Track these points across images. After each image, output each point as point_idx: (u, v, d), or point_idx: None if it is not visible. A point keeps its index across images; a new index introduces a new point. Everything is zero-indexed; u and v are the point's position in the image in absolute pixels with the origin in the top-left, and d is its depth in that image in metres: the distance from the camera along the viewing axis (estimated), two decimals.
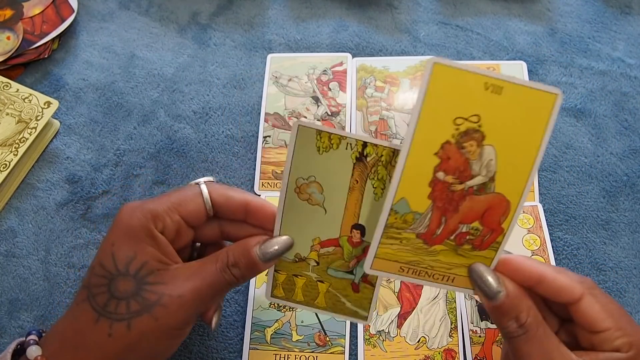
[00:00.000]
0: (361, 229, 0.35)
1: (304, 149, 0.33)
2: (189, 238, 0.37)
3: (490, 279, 0.33)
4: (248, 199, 0.36)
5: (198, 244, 0.41)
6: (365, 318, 0.38)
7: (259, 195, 0.50)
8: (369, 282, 0.37)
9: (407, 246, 0.34)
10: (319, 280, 0.37)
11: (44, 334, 0.36)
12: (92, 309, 0.33)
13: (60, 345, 0.33)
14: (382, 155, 0.33)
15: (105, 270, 0.34)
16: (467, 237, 0.34)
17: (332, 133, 0.33)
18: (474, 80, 0.30)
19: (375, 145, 0.33)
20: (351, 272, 0.37)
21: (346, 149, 0.33)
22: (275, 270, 0.37)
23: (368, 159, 0.33)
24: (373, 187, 0.34)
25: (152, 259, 0.34)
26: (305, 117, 0.53)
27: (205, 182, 0.37)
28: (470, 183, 0.32)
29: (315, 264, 0.37)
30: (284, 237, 0.36)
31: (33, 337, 0.34)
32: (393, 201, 0.33)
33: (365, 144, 0.33)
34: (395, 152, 0.33)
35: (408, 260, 0.34)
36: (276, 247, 0.35)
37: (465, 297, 0.45)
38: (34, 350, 0.33)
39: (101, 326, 0.33)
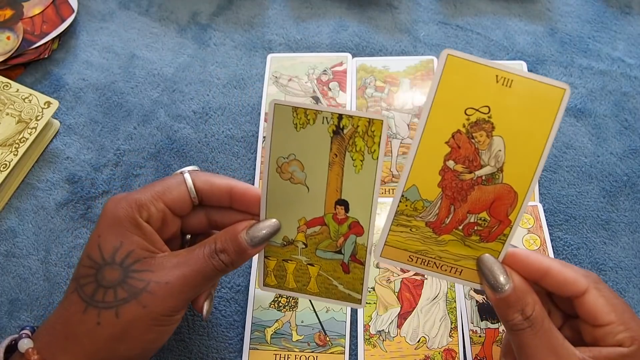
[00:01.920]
0: (344, 204, 0.35)
1: (282, 128, 0.34)
2: (176, 227, 0.37)
3: (498, 270, 0.34)
4: (232, 184, 0.37)
5: (188, 237, 0.41)
6: (359, 301, 0.38)
7: None
8: (359, 261, 0.36)
9: (417, 234, 0.34)
10: (309, 264, 0.37)
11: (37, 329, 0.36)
12: (80, 299, 0.33)
13: (51, 337, 0.33)
14: (358, 126, 0.33)
15: (92, 261, 0.34)
16: (475, 228, 0.34)
17: (307, 108, 0.33)
18: (485, 72, 0.31)
19: (351, 116, 0.33)
20: (339, 252, 0.37)
21: (322, 123, 0.33)
22: (265, 257, 0.37)
23: (345, 131, 0.34)
24: (352, 160, 0.34)
25: (138, 248, 0.34)
26: None
27: (189, 171, 0.37)
28: (479, 173, 0.33)
29: (304, 246, 0.37)
30: (272, 221, 0.36)
31: (26, 331, 0.35)
32: (404, 188, 0.33)
33: (340, 117, 0.33)
34: (370, 122, 0.33)
35: (417, 249, 0.35)
36: (264, 231, 0.35)
37: (465, 296, 0.45)
38: (25, 343, 0.33)
39: (90, 315, 0.33)
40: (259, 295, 0.46)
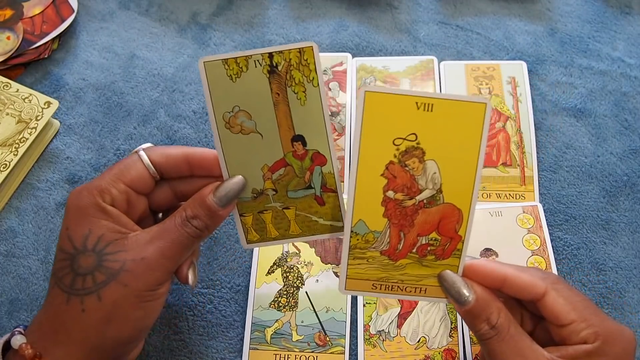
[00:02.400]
0: (300, 139, 0.35)
1: (218, 83, 0.34)
2: (143, 206, 0.38)
3: (460, 284, 0.35)
4: (187, 151, 0.37)
5: (160, 215, 0.41)
6: (341, 229, 0.38)
7: None
8: (330, 189, 0.37)
9: (374, 264, 0.35)
10: (284, 208, 0.37)
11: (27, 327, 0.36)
12: (61, 291, 0.34)
13: (40, 333, 0.34)
14: (291, 59, 0.33)
15: (65, 253, 0.34)
16: (429, 248, 0.35)
17: (237, 56, 0.33)
18: (405, 101, 0.32)
19: (281, 51, 0.33)
20: (310, 187, 0.37)
21: (256, 67, 0.34)
22: (240, 215, 0.37)
23: (279, 68, 0.34)
24: (295, 93, 0.34)
25: (107, 231, 0.34)
26: None
27: (144, 148, 0.37)
28: (419, 197, 0.34)
29: (274, 192, 0.37)
30: (236, 177, 0.36)
31: (18, 329, 0.35)
32: (352, 224, 0.34)
33: (271, 55, 0.33)
34: (301, 51, 0.33)
35: (378, 277, 0.36)
36: (230, 189, 0.35)
37: None
38: (18, 340, 0.33)
39: (73, 304, 0.33)
40: (259, 295, 0.46)
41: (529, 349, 0.33)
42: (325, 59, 0.57)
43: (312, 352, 0.44)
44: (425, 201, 0.34)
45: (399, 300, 0.45)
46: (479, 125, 0.33)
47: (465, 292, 0.34)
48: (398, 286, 0.36)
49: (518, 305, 0.37)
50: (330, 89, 0.55)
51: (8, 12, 0.58)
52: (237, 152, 0.35)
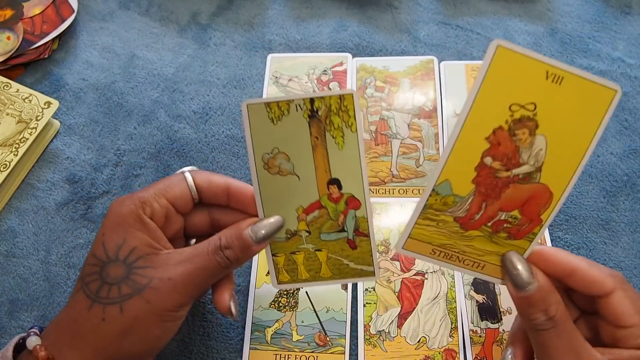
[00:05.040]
0: (336, 182, 0.36)
1: (259, 125, 0.34)
2: (179, 225, 0.38)
3: (523, 268, 0.33)
4: (229, 182, 0.37)
5: (193, 241, 0.41)
6: (372, 273, 0.38)
7: None
8: (363, 234, 0.37)
9: (443, 229, 0.34)
10: (317, 250, 0.37)
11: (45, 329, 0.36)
12: (86, 297, 0.34)
13: (58, 335, 0.34)
14: (331, 105, 0.34)
15: (96, 259, 0.34)
16: (505, 225, 0.33)
17: (279, 100, 0.34)
18: (536, 67, 0.30)
19: (322, 97, 0.34)
20: (343, 230, 0.37)
21: (297, 111, 0.34)
22: (273, 255, 0.38)
23: (319, 112, 0.34)
24: (333, 138, 0.35)
25: (141, 244, 0.34)
26: None
27: (189, 170, 0.38)
28: (516, 171, 0.32)
29: (308, 234, 0.37)
30: (275, 217, 0.36)
31: (34, 330, 0.35)
32: (436, 182, 0.32)
33: (312, 100, 0.34)
34: (342, 98, 0.34)
35: (441, 243, 0.34)
36: (268, 227, 0.36)
37: (465, 297, 0.45)
38: (33, 340, 0.34)
39: (95, 312, 0.33)
40: (259, 295, 0.46)
41: (583, 349, 0.32)
42: (326, 59, 0.57)
43: (313, 352, 0.44)
44: (520, 176, 0.32)
45: (398, 300, 0.45)
46: (602, 110, 0.31)
47: (527, 278, 0.33)
48: (458, 257, 0.34)
49: (564, 294, 0.36)
50: (330, 89, 0.55)
51: (8, 12, 0.58)
52: (273, 193, 0.36)
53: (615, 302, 0.33)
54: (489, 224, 0.33)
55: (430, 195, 0.33)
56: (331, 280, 0.38)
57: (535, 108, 0.31)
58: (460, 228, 0.34)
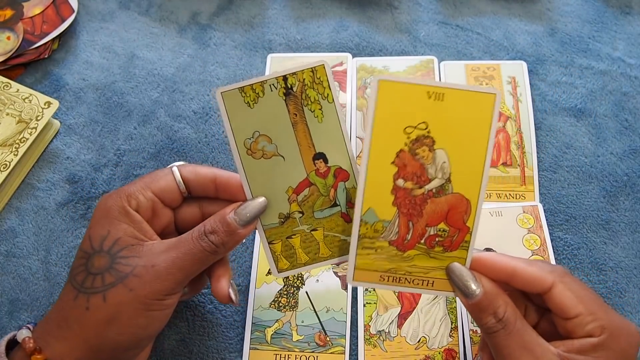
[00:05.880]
0: (322, 156, 0.36)
1: (236, 111, 0.34)
2: (168, 219, 0.38)
3: (468, 277, 0.35)
4: (216, 172, 0.37)
5: None
6: None
7: None
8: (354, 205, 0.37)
9: (382, 254, 0.35)
10: (312, 230, 0.37)
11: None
12: (72, 288, 0.34)
13: (46, 326, 0.35)
14: (304, 79, 0.34)
15: (83, 252, 0.35)
16: (437, 239, 0.35)
17: (252, 83, 0.34)
18: (416, 90, 0.33)
19: (294, 73, 0.34)
20: (335, 204, 0.37)
21: (271, 90, 0.34)
22: (269, 243, 0.37)
23: (294, 89, 0.34)
24: (312, 112, 0.35)
25: (125, 235, 0.35)
26: None
27: (177, 165, 0.38)
28: (428, 186, 0.35)
29: (301, 215, 0.37)
30: (259, 198, 0.36)
31: (29, 325, 0.36)
32: (361, 212, 0.35)
33: (285, 77, 0.34)
34: (313, 70, 0.34)
35: (386, 268, 0.36)
36: (251, 208, 0.36)
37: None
38: (23, 333, 0.34)
39: (79, 301, 0.34)
40: (259, 295, 0.46)
41: (535, 343, 0.33)
42: (325, 59, 0.57)
43: (313, 352, 0.44)
44: (434, 190, 0.34)
45: (399, 300, 0.45)
46: (488, 115, 0.33)
47: (473, 285, 0.34)
48: (406, 278, 0.36)
49: (522, 298, 0.37)
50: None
51: (8, 12, 0.58)
52: (260, 177, 0.36)
53: (557, 296, 0.34)
54: (422, 241, 0.35)
55: (360, 226, 0.35)
56: (330, 259, 0.38)
57: (427, 126, 0.34)
58: (398, 250, 0.35)
